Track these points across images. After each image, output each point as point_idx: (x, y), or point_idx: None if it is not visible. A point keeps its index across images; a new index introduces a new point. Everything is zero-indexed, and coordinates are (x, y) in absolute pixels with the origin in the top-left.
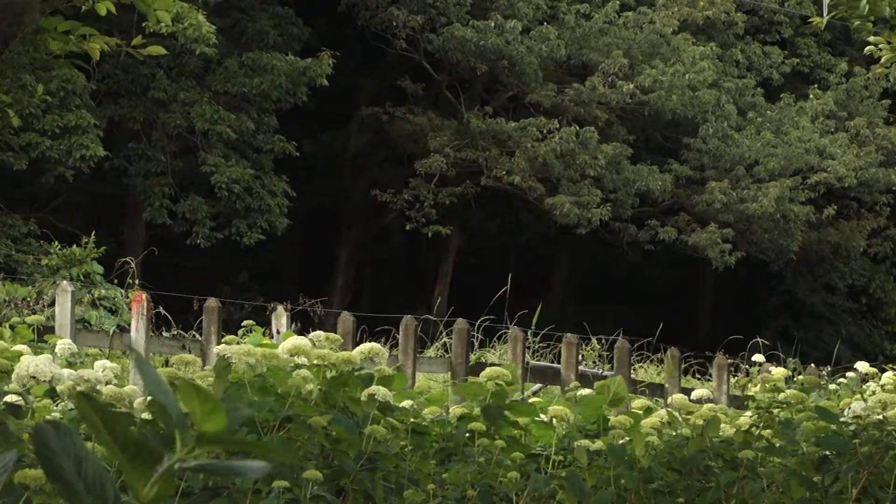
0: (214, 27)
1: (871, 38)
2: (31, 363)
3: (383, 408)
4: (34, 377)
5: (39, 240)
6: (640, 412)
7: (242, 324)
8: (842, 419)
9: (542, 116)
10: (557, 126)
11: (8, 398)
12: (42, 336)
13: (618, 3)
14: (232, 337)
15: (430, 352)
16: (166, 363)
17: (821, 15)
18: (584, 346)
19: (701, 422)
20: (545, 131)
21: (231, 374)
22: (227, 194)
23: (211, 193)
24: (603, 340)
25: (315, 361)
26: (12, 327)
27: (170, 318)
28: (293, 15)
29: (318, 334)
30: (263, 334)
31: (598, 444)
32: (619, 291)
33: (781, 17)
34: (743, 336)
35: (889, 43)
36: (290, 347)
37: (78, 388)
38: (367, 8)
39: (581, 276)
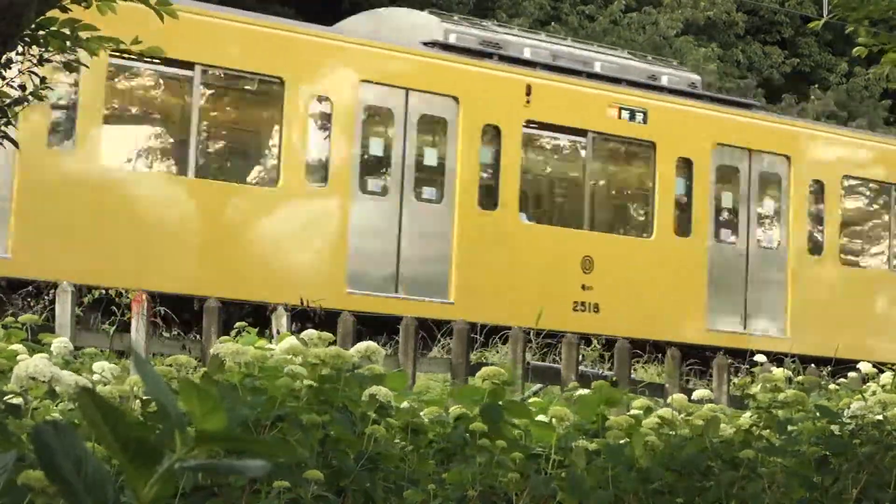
0: None
1: (861, 40)
2: (30, 363)
3: (378, 407)
4: (33, 378)
5: None
6: (641, 412)
7: (236, 324)
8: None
9: None
10: None
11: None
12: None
13: (622, 3)
14: (227, 337)
15: (431, 352)
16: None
17: (821, 15)
18: (584, 347)
19: (700, 422)
20: None
21: (224, 374)
22: None
23: None
24: (603, 340)
25: (309, 360)
26: (6, 326)
27: (170, 317)
28: (294, 15)
29: (311, 333)
30: (264, 335)
31: (597, 445)
32: None
33: (782, 18)
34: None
35: (885, 45)
36: (285, 348)
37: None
38: (370, 7)
39: None
